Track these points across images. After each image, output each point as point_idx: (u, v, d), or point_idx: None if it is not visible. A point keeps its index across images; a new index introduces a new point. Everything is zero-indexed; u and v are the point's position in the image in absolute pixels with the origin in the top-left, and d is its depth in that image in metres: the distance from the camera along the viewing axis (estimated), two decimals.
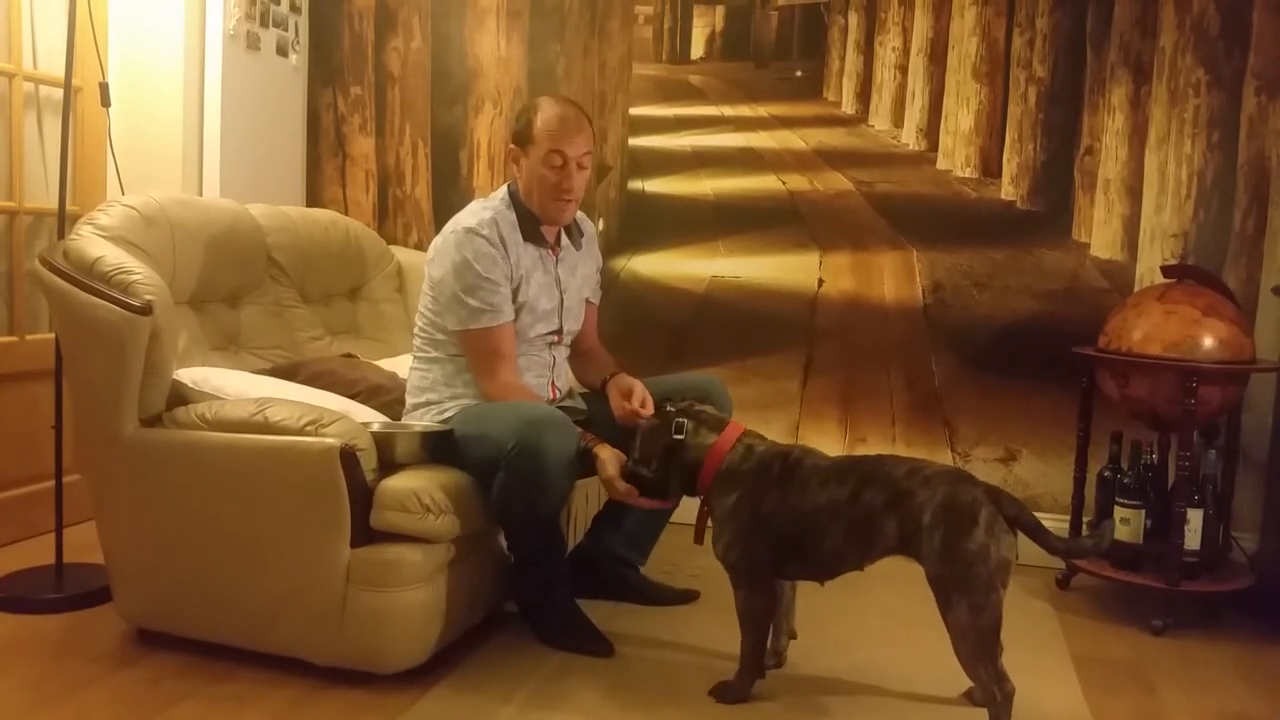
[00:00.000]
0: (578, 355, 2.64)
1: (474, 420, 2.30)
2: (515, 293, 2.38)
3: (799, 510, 2.00)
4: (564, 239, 2.52)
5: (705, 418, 2.13)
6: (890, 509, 1.92)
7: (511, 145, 2.44)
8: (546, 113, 2.38)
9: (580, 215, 2.61)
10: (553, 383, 2.53)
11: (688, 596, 2.66)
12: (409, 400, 2.48)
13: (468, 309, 2.34)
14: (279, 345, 2.71)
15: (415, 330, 2.49)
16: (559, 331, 2.51)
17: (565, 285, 2.50)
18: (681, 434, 2.09)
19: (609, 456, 2.25)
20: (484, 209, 2.41)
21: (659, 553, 2.71)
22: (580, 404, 2.58)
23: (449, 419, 2.36)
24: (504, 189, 2.47)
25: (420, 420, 2.41)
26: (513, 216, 2.41)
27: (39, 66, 2.98)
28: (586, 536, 2.68)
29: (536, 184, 2.39)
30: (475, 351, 2.37)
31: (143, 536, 2.24)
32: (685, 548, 2.66)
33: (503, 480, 2.19)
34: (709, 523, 2.15)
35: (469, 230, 2.34)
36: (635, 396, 2.40)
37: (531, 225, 2.42)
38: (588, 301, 2.62)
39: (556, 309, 2.48)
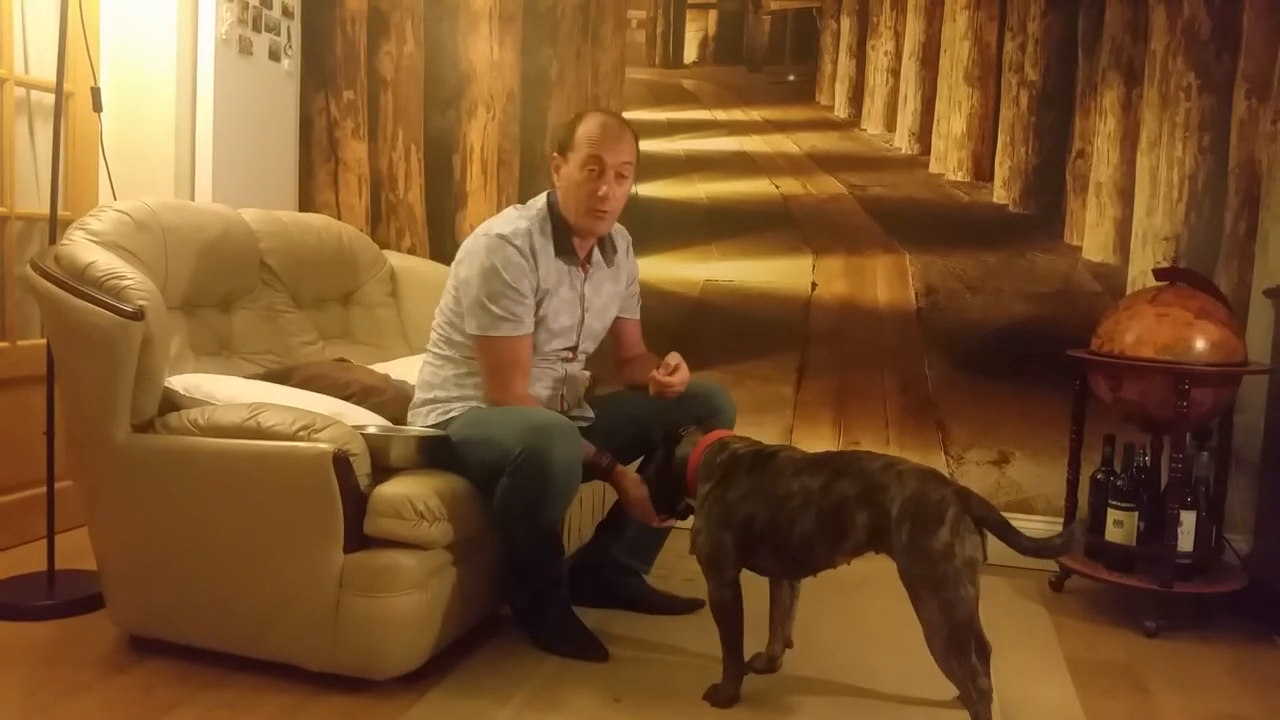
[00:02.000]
0: (624, 363, 2.64)
1: (479, 424, 2.28)
2: (537, 306, 2.35)
3: (770, 496, 2.03)
4: (595, 255, 2.48)
5: (700, 431, 2.26)
6: (862, 501, 1.94)
7: (554, 154, 2.41)
8: (589, 122, 2.36)
9: (618, 228, 2.54)
10: (562, 396, 2.51)
11: (693, 605, 2.60)
12: (417, 395, 2.46)
13: (490, 315, 2.31)
14: (272, 350, 2.70)
15: (433, 326, 2.46)
16: (574, 349, 2.48)
17: (589, 303, 2.47)
18: (681, 437, 2.23)
19: (636, 480, 2.30)
20: (520, 217, 2.37)
21: None
22: (587, 411, 2.58)
23: (453, 419, 2.35)
24: (543, 197, 2.43)
25: (423, 418, 2.40)
26: (548, 227, 2.37)
27: (30, 71, 2.97)
28: (590, 544, 2.67)
29: (573, 191, 2.35)
30: (491, 360, 2.34)
31: (135, 542, 2.23)
32: (681, 552, 2.65)
33: (506, 485, 2.18)
34: None
35: (501, 237, 2.31)
36: (669, 363, 2.39)
37: (565, 238, 2.39)
38: (622, 319, 2.60)
39: (575, 326, 2.45)
